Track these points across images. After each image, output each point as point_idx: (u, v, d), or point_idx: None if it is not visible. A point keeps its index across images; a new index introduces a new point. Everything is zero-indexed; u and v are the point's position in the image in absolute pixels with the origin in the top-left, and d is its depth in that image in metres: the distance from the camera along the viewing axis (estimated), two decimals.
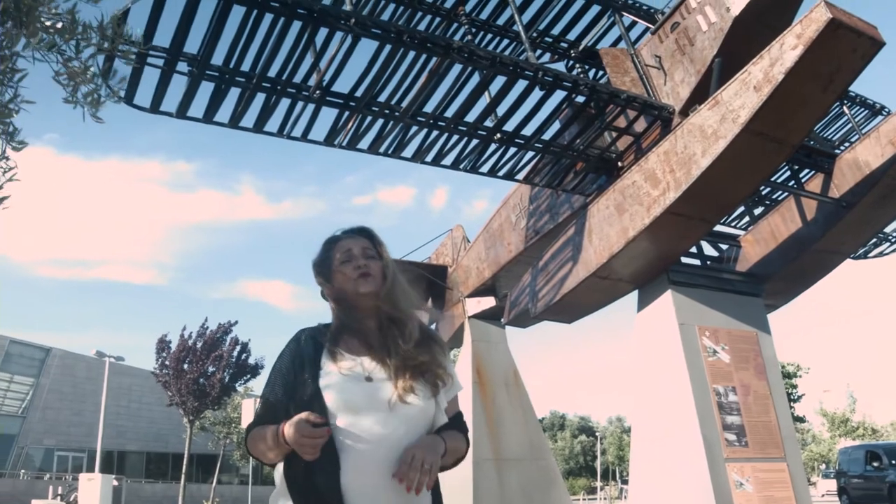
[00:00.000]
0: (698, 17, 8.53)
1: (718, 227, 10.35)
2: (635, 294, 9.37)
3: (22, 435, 47.45)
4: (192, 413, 33.33)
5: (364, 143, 8.66)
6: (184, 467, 34.13)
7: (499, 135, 8.70)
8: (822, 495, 36.63)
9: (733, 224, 12.41)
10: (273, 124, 8.08)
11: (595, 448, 79.33)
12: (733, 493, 7.78)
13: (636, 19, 10.16)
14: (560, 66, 10.49)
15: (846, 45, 6.92)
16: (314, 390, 2.19)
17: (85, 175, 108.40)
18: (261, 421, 2.25)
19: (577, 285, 9.33)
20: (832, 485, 31.98)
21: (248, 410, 26.31)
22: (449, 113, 8.48)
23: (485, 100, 8.47)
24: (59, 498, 30.62)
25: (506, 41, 10.47)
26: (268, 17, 6.72)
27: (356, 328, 2.35)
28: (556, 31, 10.46)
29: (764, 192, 11.44)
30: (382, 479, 2.11)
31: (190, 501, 36.28)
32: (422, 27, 9.70)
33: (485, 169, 9.44)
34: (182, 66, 7.06)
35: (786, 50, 6.96)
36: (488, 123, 8.64)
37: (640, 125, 9.11)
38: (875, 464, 23.49)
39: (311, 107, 7.98)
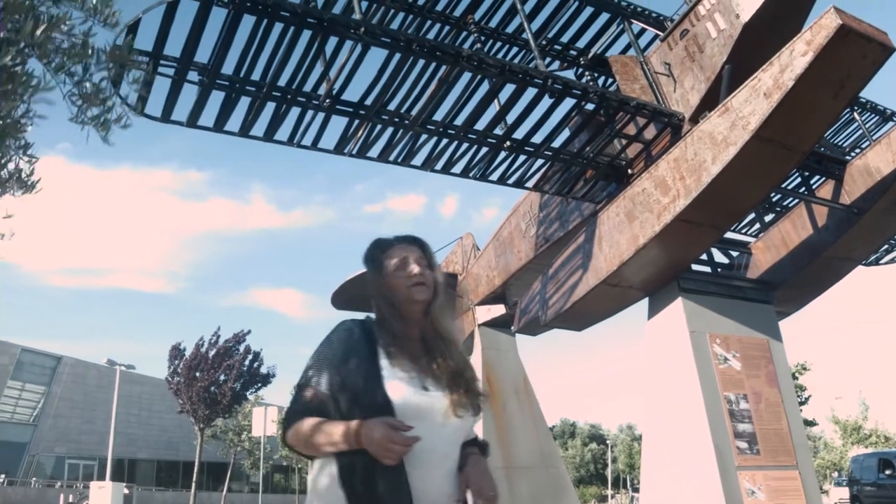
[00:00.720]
0: (708, 24, 8.53)
1: (729, 235, 10.32)
2: (645, 301, 9.35)
3: (33, 443, 47.55)
4: (203, 421, 33.36)
5: (374, 152, 8.68)
6: (194, 475, 34.14)
7: (508, 143, 8.71)
8: (835, 503, 36.37)
9: (744, 231, 12.38)
10: (283, 133, 8.13)
11: (605, 456, 79.03)
12: (745, 501, 7.74)
13: (645, 27, 10.16)
14: (569, 74, 10.50)
15: (856, 51, 6.91)
16: (380, 391, 2.13)
17: (97, 184, 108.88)
18: (309, 410, 2.16)
19: (587, 293, 9.32)
20: (844, 493, 31.71)
21: (258, 419, 26.38)
22: (458, 121, 8.49)
23: (494, 108, 8.48)
24: None
25: (515, 49, 10.49)
26: (278, 27, 6.75)
27: (402, 335, 2.30)
28: (565, 38, 10.47)
29: (774, 199, 11.41)
30: (442, 489, 2.13)
31: None
32: (431, 36, 9.72)
33: (494, 177, 9.44)
34: (193, 76, 7.10)
35: (796, 56, 6.95)
36: (498, 131, 8.65)
37: (649, 132, 9.10)
38: (888, 471, 23.30)
39: (321, 115, 8.01)
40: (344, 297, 14.51)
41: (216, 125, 7.68)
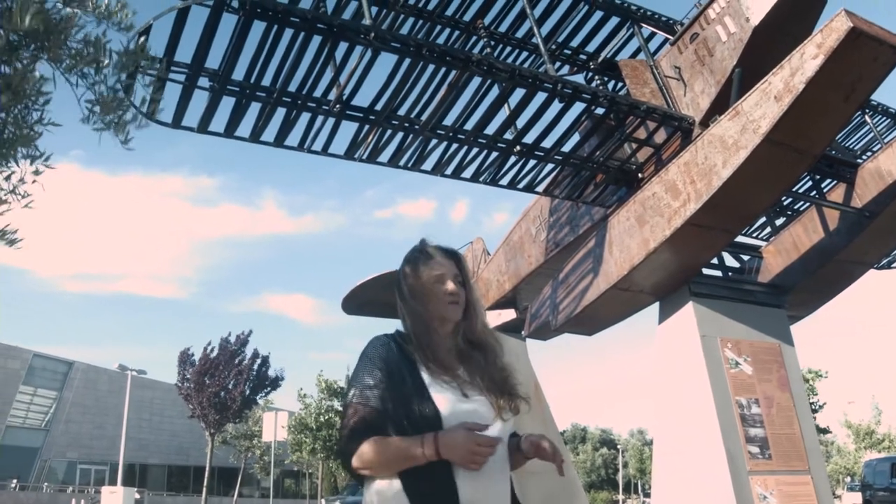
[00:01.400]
0: (718, 27, 8.51)
1: (740, 238, 10.28)
2: (656, 306, 9.32)
3: (45, 448, 47.78)
4: (214, 426, 33.46)
5: (384, 157, 8.70)
6: (205, 480, 34.25)
7: (518, 147, 8.71)
8: None
9: (755, 235, 12.32)
10: (294, 138, 8.14)
11: (616, 461, 78.79)
12: None
13: (655, 31, 10.15)
14: (579, 78, 10.49)
15: (867, 54, 6.88)
16: (427, 403, 2.15)
17: (109, 190, 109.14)
18: (366, 431, 2.15)
19: (597, 297, 9.30)
20: (857, 498, 31.53)
21: (269, 423, 26.39)
22: (468, 126, 8.50)
23: (504, 112, 8.49)
24: None
25: (525, 54, 10.50)
26: (288, 33, 6.77)
27: (436, 345, 2.31)
28: (574, 43, 10.46)
29: (785, 203, 11.36)
30: (493, 491, 2.15)
31: None
32: (441, 40, 9.73)
33: (504, 181, 9.44)
34: (203, 82, 7.12)
35: (806, 59, 6.93)
36: (508, 136, 8.65)
37: (660, 136, 9.09)
38: None
39: (331, 120, 8.03)
40: (354, 302, 14.54)
41: (227, 131, 7.70)
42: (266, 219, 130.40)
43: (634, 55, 10.42)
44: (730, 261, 10.27)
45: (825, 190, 10.64)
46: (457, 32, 9.95)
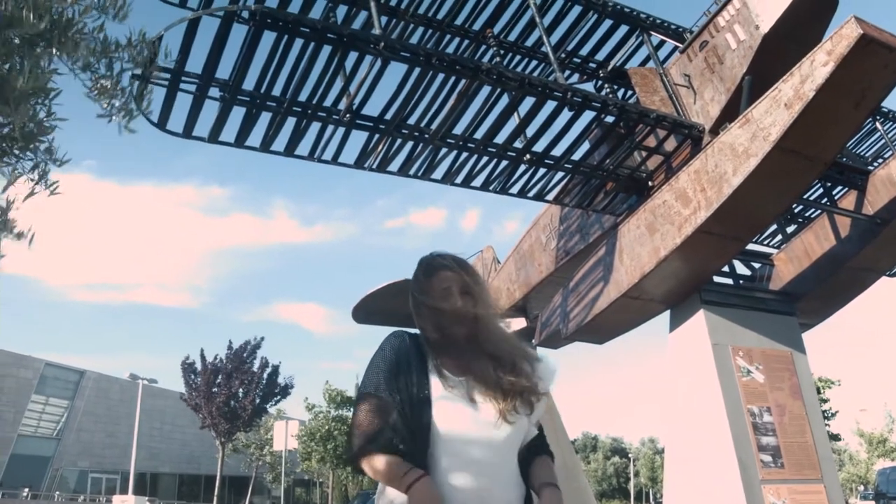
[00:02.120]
0: (727, 35, 8.51)
1: (751, 246, 10.24)
2: (667, 314, 9.30)
3: (57, 457, 47.90)
4: (224, 435, 33.50)
5: (394, 166, 8.70)
6: (216, 489, 34.31)
7: (528, 156, 8.71)
8: None
9: (766, 242, 12.28)
10: (304, 148, 8.15)
11: (628, 470, 78.57)
12: None
13: (665, 38, 10.15)
14: (589, 87, 10.49)
15: (878, 61, 6.86)
16: (426, 405, 2.21)
17: (120, 200, 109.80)
18: (382, 427, 2.21)
19: (608, 306, 9.29)
20: None
21: (280, 433, 26.43)
22: (478, 135, 8.50)
23: (514, 121, 8.49)
24: None
25: (534, 62, 10.49)
26: (298, 42, 6.79)
27: (451, 349, 2.35)
28: (584, 51, 10.46)
29: (796, 210, 11.33)
30: (499, 498, 2.20)
31: None
32: (450, 50, 9.75)
33: (514, 190, 9.44)
34: (214, 92, 7.14)
35: (816, 66, 6.91)
36: (518, 144, 8.66)
37: (670, 144, 9.07)
38: None
39: (341, 130, 8.04)
40: (364, 311, 14.53)
41: (237, 141, 7.72)
42: (277, 228, 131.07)
43: (644, 63, 10.42)
44: (741, 268, 10.25)
45: (836, 197, 10.60)
46: (466, 42, 9.96)
